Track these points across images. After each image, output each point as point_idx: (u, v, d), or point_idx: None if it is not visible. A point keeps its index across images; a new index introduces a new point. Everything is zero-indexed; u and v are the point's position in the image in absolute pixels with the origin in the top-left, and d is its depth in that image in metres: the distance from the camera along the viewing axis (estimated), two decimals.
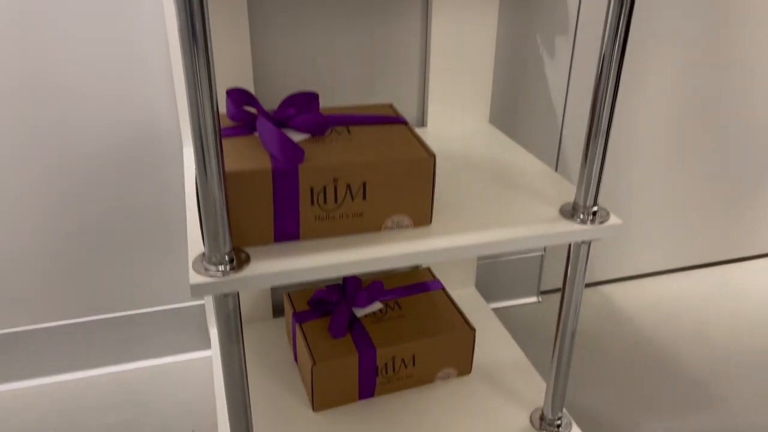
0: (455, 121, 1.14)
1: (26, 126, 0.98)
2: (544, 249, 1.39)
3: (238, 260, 0.69)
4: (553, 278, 1.46)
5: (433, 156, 0.74)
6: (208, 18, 0.58)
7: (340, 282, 1.22)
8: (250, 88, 1.00)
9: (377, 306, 1.08)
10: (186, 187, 0.87)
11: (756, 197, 1.52)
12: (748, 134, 1.43)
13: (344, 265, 0.70)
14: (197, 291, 0.65)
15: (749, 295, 1.49)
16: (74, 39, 0.95)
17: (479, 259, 1.34)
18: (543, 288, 1.46)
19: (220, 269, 0.67)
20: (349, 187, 0.72)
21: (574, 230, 0.78)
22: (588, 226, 0.78)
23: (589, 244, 0.82)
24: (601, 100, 0.73)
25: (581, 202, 0.80)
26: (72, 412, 1.11)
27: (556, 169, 1.30)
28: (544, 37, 1.16)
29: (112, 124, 1.01)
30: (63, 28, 0.94)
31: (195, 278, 0.65)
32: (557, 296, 1.47)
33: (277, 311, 1.25)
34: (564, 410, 0.99)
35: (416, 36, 1.08)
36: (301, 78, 1.05)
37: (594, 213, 0.79)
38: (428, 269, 1.20)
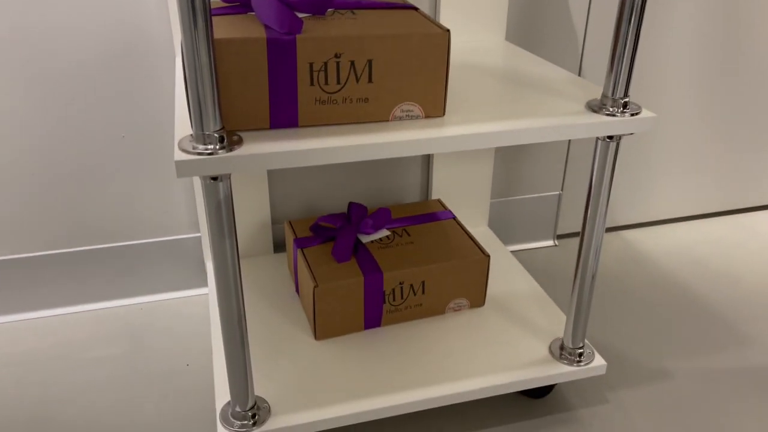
0: (469, 37, 1.05)
1: (21, 40, 0.91)
2: (562, 188, 1.31)
3: (230, 141, 0.62)
4: (570, 222, 1.38)
5: (447, 31, 0.66)
6: None
7: (345, 211, 1.15)
8: None
9: (384, 233, 1.01)
10: (177, 81, 0.79)
11: None
12: None
13: (345, 149, 0.63)
14: (184, 169, 0.58)
15: None
16: None
17: (493, 197, 1.26)
18: (560, 232, 1.38)
19: (209, 148, 0.60)
20: (353, 64, 0.65)
21: (603, 121, 0.70)
22: (618, 118, 0.70)
23: (618, 143, 0.74)
24: None
25: (610, 94, 0.72)
26: (63, 344, 1.04)
27: None
28: None
29: (101, 33, 0.94)
30: None
31: (180, 155, 0.58)
32: (575, 241, 1.39)
33: (279, 247, 1.18)
34: (585, 340, 0.92)
35: None
36: None
37: (624, 105, 0.72)
38: (439, 200, 1.12)
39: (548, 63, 0.91)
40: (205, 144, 0.60)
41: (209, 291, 1.06)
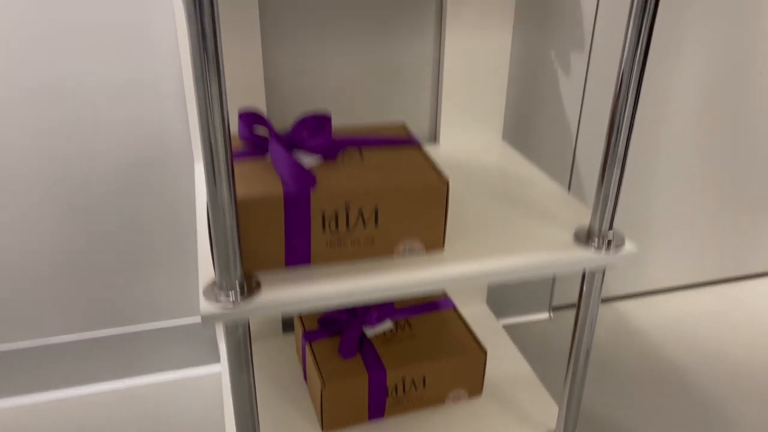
0: (468, 137, 1.12)
1: (42, 143, 0.98)
2: None
3: (249, 287, 0.68)
4: (565, 294, 1.45)
5: (446, 182, 0.73)
6: (220, 40, 0.58)
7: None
8: (263, 106, 0.99)
9: (388, 325, 1.07)
10: (197, 208, 0.86)
11: None
12: (766, 150, 1.41)
13: (356, 292, 0.70)
14: (208, 320, 0.65)
15: (765, 311, 1.47)
16: (89, 62, 0.95)
17: None
18: (555, 303, 1.45)
19: (231, 298, 0.66)
20: (361, 212, 0.71)
21: (588, 257, 0.77)
22: (602, 254, 0.77)
23: (603, 270, 0.80)
24: (618, 125, 0.72)
25: (596, 227, 0.78)
26: (81, 426, 1.10)
27: (569, 187, 1.28)
28: (558, 53, 1.15)
29: (125, 141, 1.01)
30: (78, 52, 0.94)
31: (206, 307, 0.65)
32: (569, 312, 1.45)
33: (287, 326, 1.24)
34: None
35: (429, 51, 1.07)
36: (314, 95, 1.05)
37: (609, 239, 0.78)
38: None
39: (540, 173, 0.98)
40: (227, 294, 0.66)
41: (222, 370, 1.12)
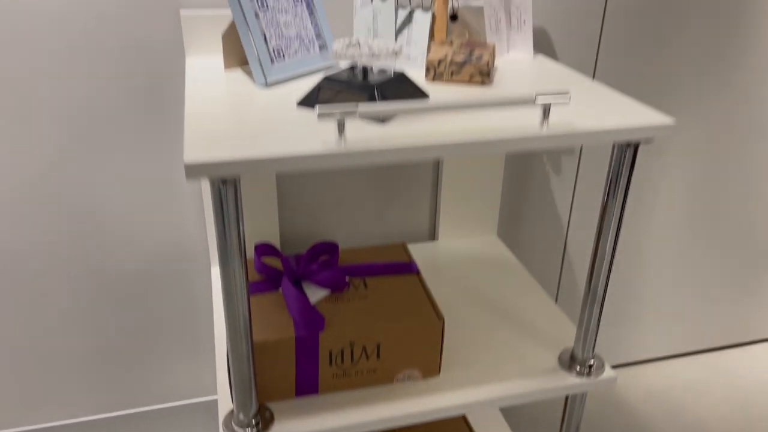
0: (464, 234, 1.20)
1: (71, 246, 1.05)
2: None
3: (263, 421, 0.76)
4: None
5: (442, 319, 0.80)
6: (241, 199, 0.65)
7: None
8: (276, 231, 1.07)
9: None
10: (214, 311, 0.94)
11: (758, 284, 1.57)
12: (749, 226, 1.48)
13: (361, 425, 0.77)
14: None
15: (748, 381, 1.54)
16: (116, 178, 1.02)
17: None
18: None
19: (248, 431, 0.74)
20: (364, 348, 0.79)
21: (571, 384, 0.84)
22: (584, 379, 0.85)
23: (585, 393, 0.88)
24: (597, 273, 0.80)
25: (579, 354, 0.86)
26: None
27: (559, 279, 1.36)
28: (550, 157, 1.22)
29: (148, 247, 1.09)
30: (107, 173, 1.01)
31: None
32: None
33: None
34: None
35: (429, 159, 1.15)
36: (322, 217, 1.12)
37: (590, 366, 0.86)
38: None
39: (530, 279, 1.06)
40: (244, 427, 0.74)
41: None
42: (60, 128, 0.96)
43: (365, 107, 0.61)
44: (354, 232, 1.17)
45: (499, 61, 0.93)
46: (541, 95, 0.65)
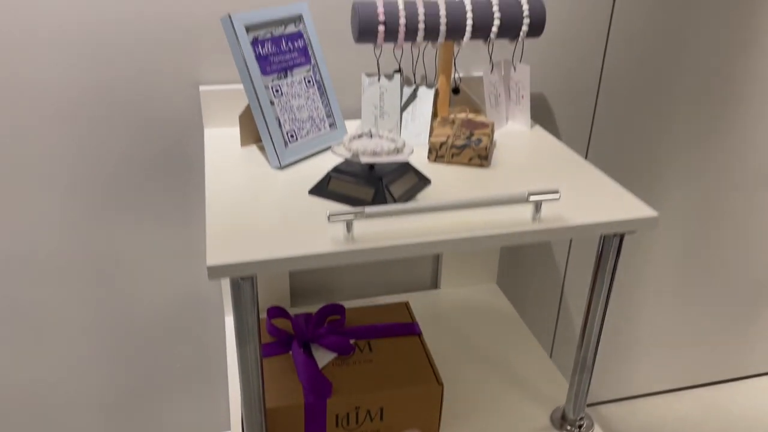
0: (465, 283, 1.26)
1: (93, 300, 1.12)
2: None
3: None
4: None
5: (441, 386, 0.86)
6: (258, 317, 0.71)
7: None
8: (286, 285, 1.14)
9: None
10: (228, 355, 0.99)
11: (751, 320, 1.62)
12: (742, 263, 1.53)
13: None
14: None
15: (742, 416, 1.59)
16: (138, 239, 1.09)
17: None
18: None
19: None
20: (368, 411, 0.85)
21: None
22: None
23: None
24: (585, 351, 0.85)
25: (570, 414, 0.92)
26: None
27: (555, 326, 1.41)
28: None
29: (163, 300, 1.15)
30: (127, 227, 1.08)
31: None
32: None
33: None
34: None
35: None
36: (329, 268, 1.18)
37: (580, 426, 0.92)
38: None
39: (527, 332, 1.12)
40: None
41: None
42: (86, 193, 1.03)
43: (371, 210, 0.67)
44: (361, 281, 1.23)
45: (498, 133, 0.99)
46: (534, 194, 0.71)
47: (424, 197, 0.79)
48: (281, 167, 0.84)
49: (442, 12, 0.90)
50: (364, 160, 0.74)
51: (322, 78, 0.91)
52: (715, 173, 1.35)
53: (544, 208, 0.75)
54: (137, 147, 1.01)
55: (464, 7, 0.91)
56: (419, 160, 0.89)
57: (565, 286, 1.38)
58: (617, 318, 1.48)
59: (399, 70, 0.96)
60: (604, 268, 0.79)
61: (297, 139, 0.87)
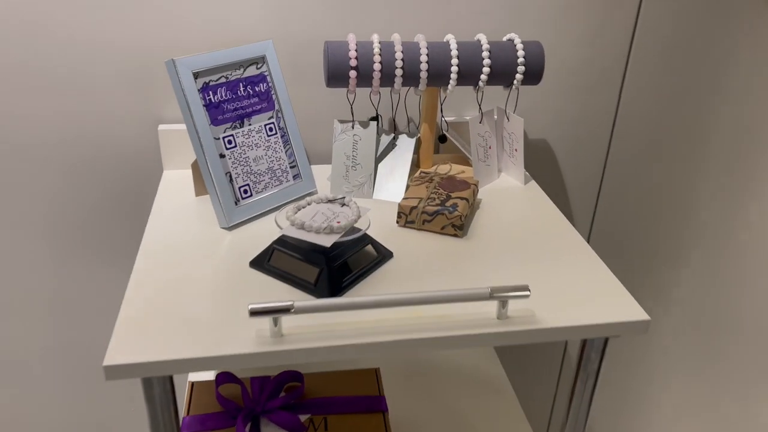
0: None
1: (59, 340, 1.06)
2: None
3: None
4: None
5: None
6: None
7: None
8: None
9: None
10: None
11: None
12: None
13: None
14: None
15: None
16: (100, 281, 1.02)
17: None
18: None
19: None
20: None
21: None
22: None
23: None
24: None
25: None
26: None
27: (553, 404, 1.29)
28: None
29: None
30: (90, 268, 1.01)
31: None
32: None
33: None
34: None
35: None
36: None
37: None
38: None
39: (519, 410, 1.01)
40: None
41: None
42: (49, 238, 0.96)
43: (302, 304, 0.57)
44: None
45: (487, 188, 0.88)
46: (498, 292, 0.60)
47: (383, 274, 0.69)
48: (228, 227, 0.76)
49: (423, 56, 0.79)
50: (290, 234, 0.65)
51: (286, 125, 0.82)
52: (754, 241, 1.21)
53: (513, 303, 0.64)
54: (95, 186, 0.93)
55: (449, 50, 0.80)
56: (387, 222, 0.79)
57: (566, 356, 1.26)
58: (629, 401, 1.35)
59: (376, 117, 0.86)
60: (585, 372, 0.68)
61: (252, 194, 0.78)
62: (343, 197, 0.71)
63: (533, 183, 0.90)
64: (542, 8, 0.93)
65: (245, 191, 0.77)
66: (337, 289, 0.64)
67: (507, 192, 0.88)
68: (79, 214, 0.95)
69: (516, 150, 0.88)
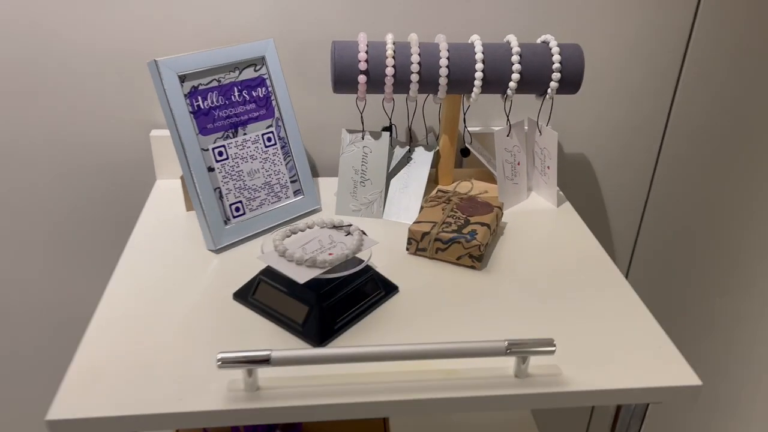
0: None
1: (55, 345, 1.00)
2: None
3: None
4: None
5: None
6: None
7: None
8: None
9: None
10: None
11: None
12: None
13: None
14: None
15: None
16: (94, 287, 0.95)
17: None
18: None
19: None
20: None
21: None
22: None
23: None
24: None
25: None
26: None
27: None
28: None
29: None
30: (86, 275, 0.94)
31: None
32: None
33: None
34: None
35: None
36: None
37: None
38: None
39: None
40: None
41: None
42: (47, 244, 0.89)
43: (281, 355, 0.48)
44: None
45: (515, 210, 0.77)
46: (518, 347, 0.50)
47: (386, 312, 0.59)
48: (215, 250, 0.67)
49: (444, 59, 0.69)
50: (268, 261, 0.56)
51: (287, 134, 0.73)
52: None
53: (536, 360, 0.54)
54: (83, 193, 0.86)
55: (473, 53, 0.70)
56: (398, 248, 0.69)
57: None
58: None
59: (389, 127, 0.77)
60: None
61: (245, 212, 0.69)
62: (350, 225, 0.62)
63: (567, 205, 0.79)
64: (581, 5, 0.82)
65: (237, 209, 0.69)
66: (328, 333, 0.55)
67: (536, 215, 0.77)
68: (66, 221, 0.87)
69: (548, 168, 0.77)
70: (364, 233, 0.61)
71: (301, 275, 0.54)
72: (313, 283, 0.56)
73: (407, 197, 0.75)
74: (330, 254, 0.56)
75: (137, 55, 0.78)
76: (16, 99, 0.79)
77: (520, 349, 0.50)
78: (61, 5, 0.74)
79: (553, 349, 0.50)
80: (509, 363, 0.53)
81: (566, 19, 0.82)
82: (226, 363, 0.48)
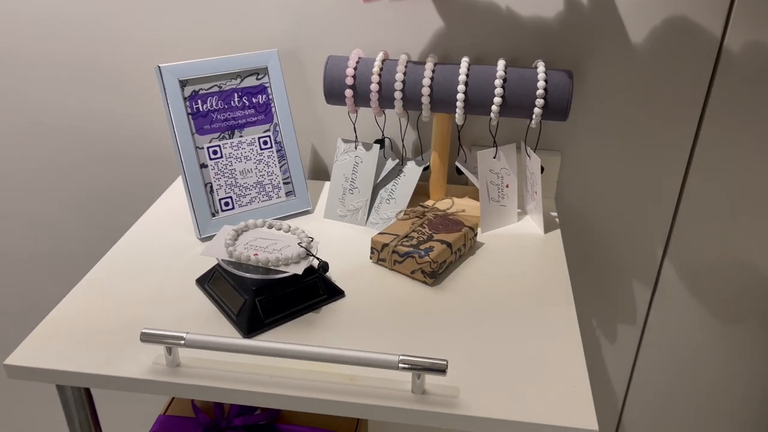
0: None
1: None
2: None
3: None
4: None
5: None
6: None
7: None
8: None
9: None
10: None
11: None
12: None
13: None
14: None
15: None
16: None
17: None
18: None
19: None
20: None
21: None
22: None
23: None
24: None
25: None
26: None
27: None
28: (606, 329, 1.00)
29: None
30: None
31: None
32: None
33: None
34: None
35: None
36: None
37: None
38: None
39: None
40: None
41: None
42: (83, 209, 1.03)
43: (193, 338, 0.54)
44: None
45: (499, 233, 0.77)
46: (409, 363, 0.52)
47: (328, 314, 0.63)
48: (201, 238, 0.75)
49: (426, 79, 0.71)
50: (219, 257, 0.62)
51: (283, 139, 0.78)
52: None
53: (432, 379, 0.55)
54: (112, 179, 0.97)
55: (456, 75, 0.71)
56: (365, 256, 0.72)
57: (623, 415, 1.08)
58: None
59: (381, 140, 0.80)
60: None
61: (234, 207, 0.76)
62: (303, 231, 0.66)
63: (556, 233, 0.77)
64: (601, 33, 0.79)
65: (226, 203, 0.76)
66: (258, 325, 0.60)
67: (520, 239, 0.76)
68: (102, 197, 0.99)
69: (536, 192, 0.76)
70: (312, 240, 0.65)
71: (235, 268, 0.60)
72: (256, 280, 0.61)
73: (390, 208, 0.78)
74: (271, 254, 0.61)
75: (178, 58, 0.87)
76: (71, 86, 0.91)
77: (411, 366, 0.52)
78: (121, 3, 0.85)
79: (444, 369, 0.51)
80: (407, 377, 0.55)
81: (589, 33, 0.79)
82: (146, 338, 0.54)
